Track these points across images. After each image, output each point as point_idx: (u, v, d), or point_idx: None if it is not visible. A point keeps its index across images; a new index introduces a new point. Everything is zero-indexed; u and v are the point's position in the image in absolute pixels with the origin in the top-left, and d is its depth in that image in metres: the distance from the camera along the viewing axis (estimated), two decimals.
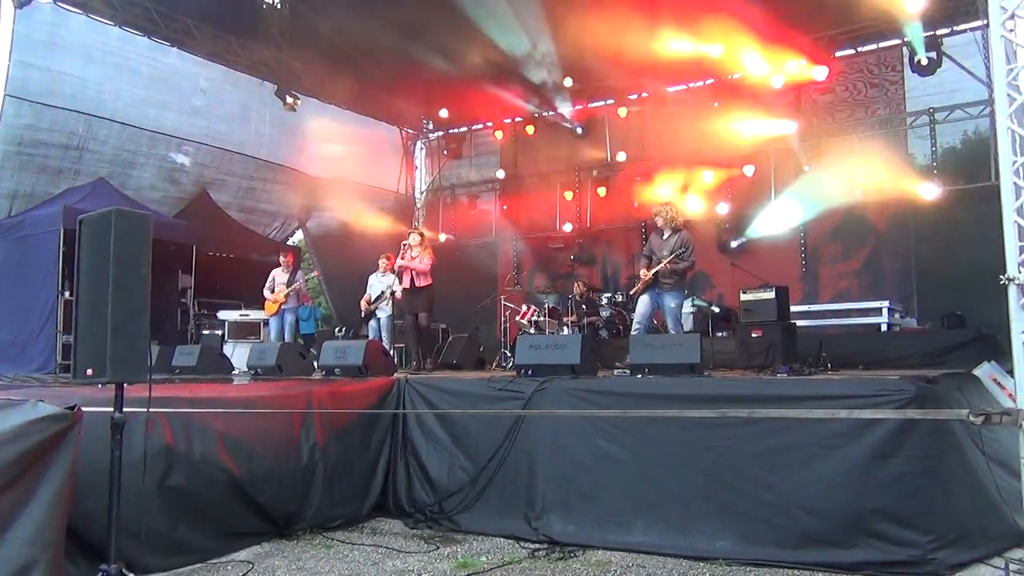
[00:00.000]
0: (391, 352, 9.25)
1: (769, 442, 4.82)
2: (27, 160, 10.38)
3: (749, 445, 4.88)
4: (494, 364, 10.67)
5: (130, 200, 10.82)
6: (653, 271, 7.77)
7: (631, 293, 9.18)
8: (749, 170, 12.43)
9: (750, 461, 4.86)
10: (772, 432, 4.81)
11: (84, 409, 3.90)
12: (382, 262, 10.16)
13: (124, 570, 3.82)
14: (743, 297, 7.78)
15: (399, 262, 9.10)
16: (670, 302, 7.75)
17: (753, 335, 7.26)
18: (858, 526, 4.46)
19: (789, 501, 4.67)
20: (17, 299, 9.94)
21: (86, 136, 10.89)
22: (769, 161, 12.48)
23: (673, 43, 10.78)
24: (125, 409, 3.92)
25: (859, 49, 12.04)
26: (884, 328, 10.07)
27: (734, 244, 12.30)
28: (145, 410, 4.11)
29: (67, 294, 9.69)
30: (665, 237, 7.93)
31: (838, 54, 12.00)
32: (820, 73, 11.60)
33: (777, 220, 11.95)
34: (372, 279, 10.27)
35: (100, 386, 4.74)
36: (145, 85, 11.47)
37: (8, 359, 9.72)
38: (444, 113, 15.12)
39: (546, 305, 10.94)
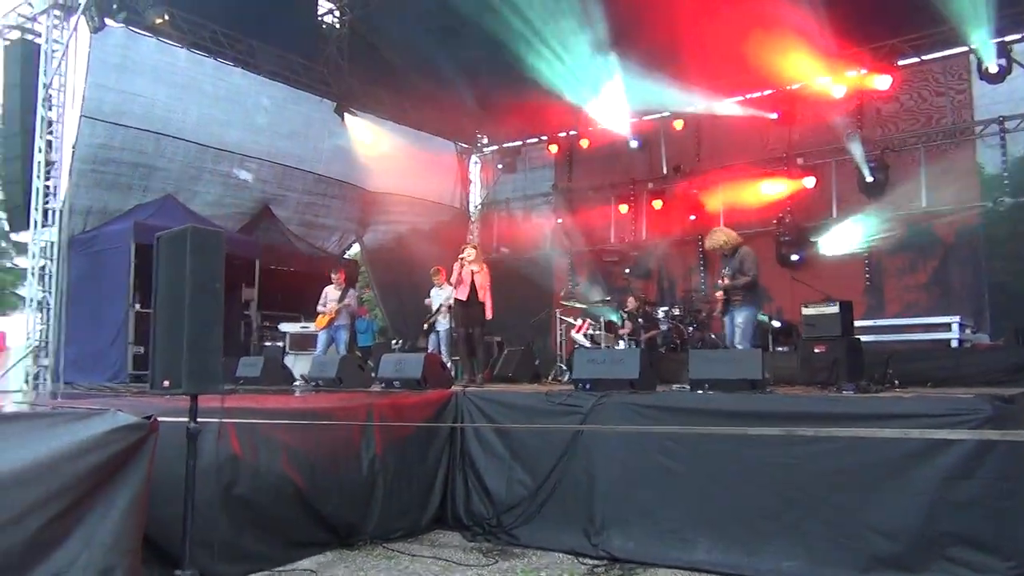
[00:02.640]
0: (449, 364, 9.36)
1: (836, 461, 4.73)
2: (100, 178, 10.77)
3: (815, 464, 4.80)
4: (550, 378, 10.70)
5: (196, 216, 11.16)
6: (717, 291, 7.97)
7: (714, 316, 9.33)
8: (810, 182, 12.21)
9: (816, 480, 4.78)
10: (839, 451, 4.72)
11: (159, 419, 4.03)
12: (435, 276, 10.30)
13: None
14: (805, 311, 7.59)
15: (454, 276, 9.17)
16: (737, 318, 7.80)
17: (816, 350, 7.06)
18: (931, 550, 4.34)
19: (858, 522, 4.57)
20: (91, 311, 10.29)
21: (155, 154, 11.27)
22: (830, 172, 12.25)
23: (731, 53, 10.66)
24: (199, 419, 4.05)
25: (923, 57, 11.73)
26: (955, 344, 9.74)
27: (794, 257, 12.08)
28: (217, 420, 4.22)
29: (138, 306, 10.04)
30: (728, 257, 8.06)
31: (901, 62, 11.71)
32: (883, 82, 11.36)
33: (839, 233, 11.71)
34: (432, 292, 10.47)
35: (167, 397, 4.92)
36: (211, 104, 11.84)
37: (82, 369, 10.08)
38: (494, 129, 15.25)
39: (602, 319, 10.93)
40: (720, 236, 8.13)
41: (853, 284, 11.42)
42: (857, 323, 8.01)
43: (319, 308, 10.81)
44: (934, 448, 4.42)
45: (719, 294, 7.95)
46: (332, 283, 10.89)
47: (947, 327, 9.95)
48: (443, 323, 10.22)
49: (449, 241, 12.76)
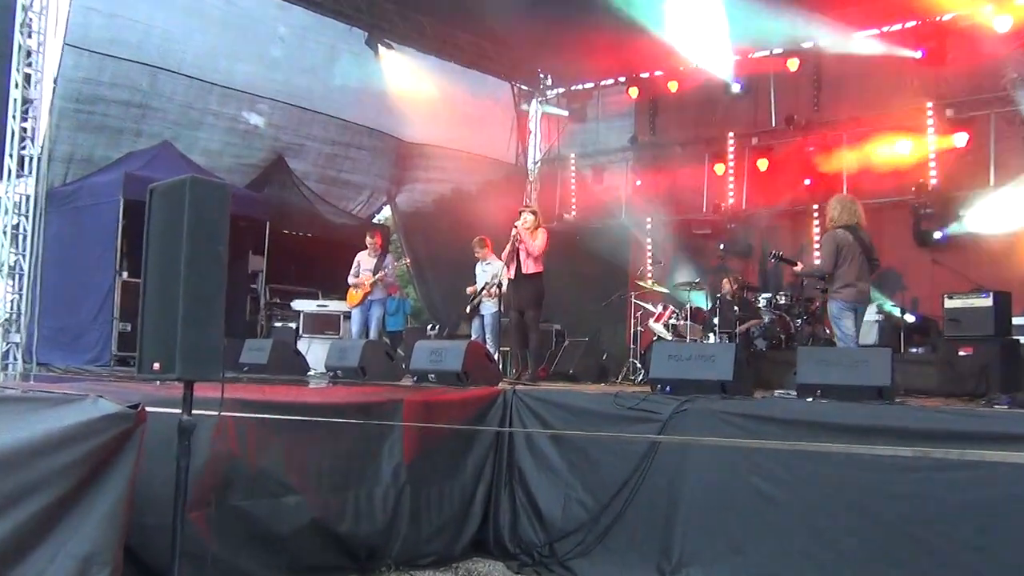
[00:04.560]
0: (496, 356, 9.54)
1: (982, 493, 4.61)
2: (85, 119, 10.97)
3: (954, 495, 4.70)
4: (620, 377, 10.71)
5: (197, 167, 11.31)
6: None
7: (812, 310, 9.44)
8: (961, 139, 11.83)
9: (954, 516, 4.68)
10: (987, 480, 4.60)
11: (148, 409, 4.11)
12: (479, 248, 10.49)
13: None
14: (948, 304, 7.59)
15: (506, 249, 9.26)
16: (832, 309, 7.93)
17: (960, 353, 7.09)
18: None
19: (1010, 572, 4.45)
20: (71, 280, 10.52)
21: (150, 92, 11.46)
22: (988, 127, 11.83)
23: None
24: (193, 411, 4.12)
25: None
26: None
27: (938, 235, 11.74)
28: (215, 414, 4.30)
29: (125, 274, 10.29)
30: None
31: None
32: None
33: (997, 205, 11.32)
34: (478, 269, 10.61)
35: (157, 383, 5.04)
36: (217, 33, 11.92)
37: (59, 347, 10.36)
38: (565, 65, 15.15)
39: (688, 306, 10.86)
40: (831, 209, 8.22)
41: (1012, 271, 11.02)
42: (1016, 320, 7.88)
43: (350, 280, 11.00)
44: None
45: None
46: (367, 249, 11.10)
47: None
48: (489, 306, 10.35)
49: (501, 205, 12.75)
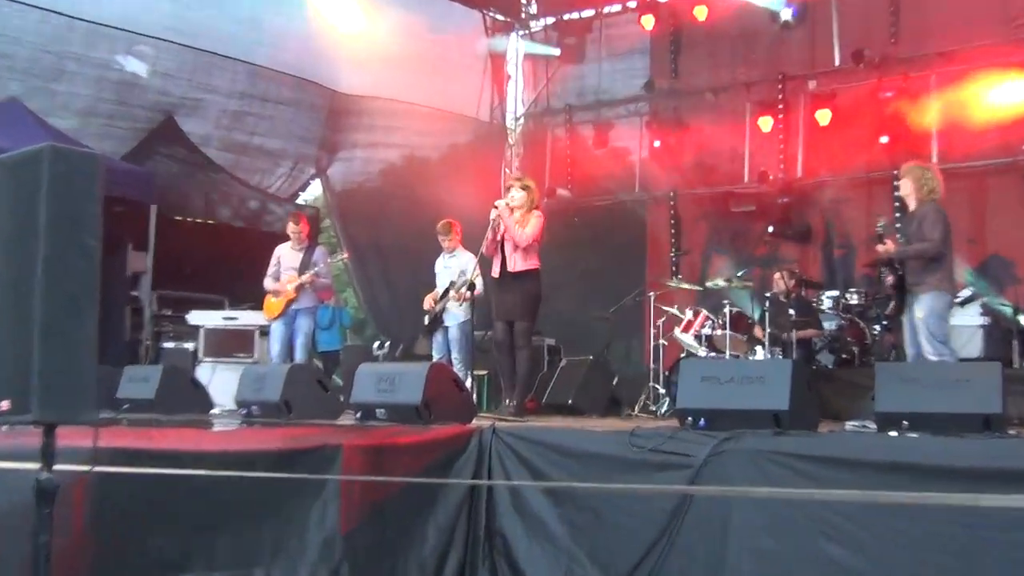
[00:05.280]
0: (468, 383, 9.40)
1: None
2: None
3: None
4: (636, 407, 10.65)
5: (55, 132, 11.16)
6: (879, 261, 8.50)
7: (887, 313, 9.45)
8: None
9: None
10: None
11: None
12: (444, 236, 10.42)
13: None
14: None
15: (487, 240, 9.25)
16: (917, 311, 7.99)
17: None
18: None
19: None
20: None
21: None
22: None
23: None
24: (56, 467, 4.05)
25: None
26: None
27: None
28: (87, 468, 4.23)
29: None
30: (910, 214, 8.44)
31: None
32: None
33: None
34: (438, 265, 10.51)
35: (4, 429, 4.95)
36: None
37: None
38: None
39: (727, 310, 10.68)
40: (928, 179, 8.25)
41: None
42: None
43: (267, 284, 10.87)
44: None
45: (889, 277, 8.28)
46: (289, 240, 10.99)
47: None
48: (456, 314, 10.27)
49: (472, 177, 12.65)
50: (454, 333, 10.34)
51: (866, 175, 13.38)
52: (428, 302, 10.51)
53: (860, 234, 13.34)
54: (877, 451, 5.57)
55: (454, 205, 11.46)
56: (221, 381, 10.50)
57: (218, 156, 13.65)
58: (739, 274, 11.65)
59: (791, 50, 14.20)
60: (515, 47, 16.87)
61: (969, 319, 10.46)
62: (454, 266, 10.33)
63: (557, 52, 16.28)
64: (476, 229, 9.76)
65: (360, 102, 14.64)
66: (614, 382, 11.10)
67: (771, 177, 13.89)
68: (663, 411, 10.19)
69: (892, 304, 8.51)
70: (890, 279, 8.34)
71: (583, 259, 13.73)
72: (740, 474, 5.71)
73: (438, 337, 10.58)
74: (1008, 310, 10.91)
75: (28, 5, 11.62)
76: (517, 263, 9.11)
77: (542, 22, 16.63)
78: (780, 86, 14.13)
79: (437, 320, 10.43)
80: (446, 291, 10.24)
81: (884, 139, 13.03)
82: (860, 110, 13.32)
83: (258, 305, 11.31)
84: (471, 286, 9.79)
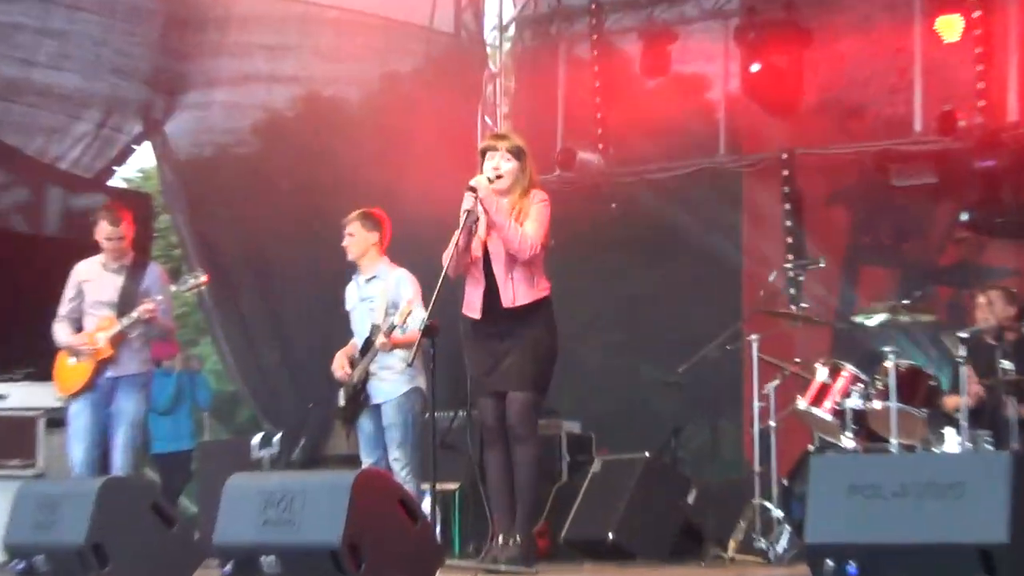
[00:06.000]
0: (426, 504, 7.46)
1: None
2: None
3: None
4: (731, 546, 8.39)
5: None
6: None
7: None
8: None
9: None
10: None
11: None
12: (359, 240, 8.03)
13: None
14: None
15: (451, 247, 6.80)
16: None
17: None
18: None
19: None
20: None
21: None
22: None
23: None
24: None
25: None
26: None
27: None
28: None
29: None
30: None
31: None
32: None
33: None
34: (349, 295, 8.25)
35: None
36: None
37: None
38: None
39: (892, 363, 8.36)
40: None
41: None
42: None
43: (59, 334, 8.25)
44: None
45: None
46: (101, 251, 8.33)
47: None
48: (392, 381, 7.82)
49: (419, 131, 10.85)
50: (390, 416, 7.77)
51: None
52: (339, 366, 8.01)
53: None
54: None
55: (388, 184, 9.35)
56: None
57: None
58: (910, 299, 9.07)
59: None
60: None
61: None
62: (376, 294, 7.82)
63: None
64: (424, 230, 7.98)
65: (226, 5, 11.38)
66: (689, 498, 8.99)
67: (962, 124, 10.64)
68: (779, 550, 8.02)
69: None
70: None
71: (627, 277, 11.24)
72: None
73: (365, 426, 7.99)
74: None
75: None
76: (517, 291, 6.72)
77: None
78: None
79: (358, 396, 7.87)
80: (367, 343, 7.69)
81: None
82: None
83: (44, 373, 8.75)
84: (428, 329, 6.92)
